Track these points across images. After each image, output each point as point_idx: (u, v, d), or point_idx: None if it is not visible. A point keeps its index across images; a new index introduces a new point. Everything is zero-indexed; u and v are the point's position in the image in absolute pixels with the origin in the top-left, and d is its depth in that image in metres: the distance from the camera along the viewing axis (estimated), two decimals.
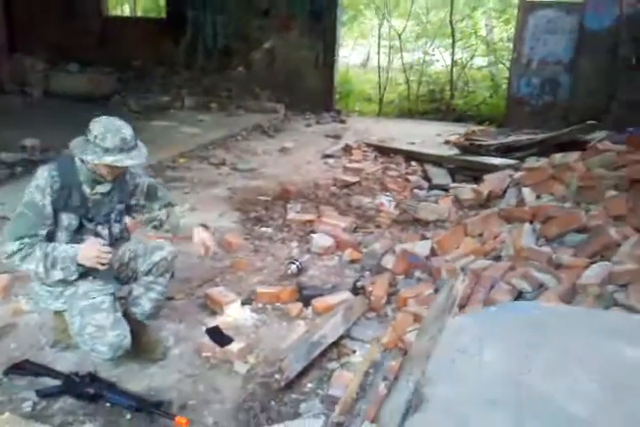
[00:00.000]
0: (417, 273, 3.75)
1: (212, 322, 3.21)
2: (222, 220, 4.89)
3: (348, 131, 8.74)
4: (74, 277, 2.67)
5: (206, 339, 3.00)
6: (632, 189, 4.08)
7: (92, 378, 2.67)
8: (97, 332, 2.64)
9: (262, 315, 3.37)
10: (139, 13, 13.24)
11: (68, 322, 2.78)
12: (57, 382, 2.69)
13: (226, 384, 2.75)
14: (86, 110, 8.45)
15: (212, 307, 3.33)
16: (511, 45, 9.97)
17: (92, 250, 2.64)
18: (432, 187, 5.82)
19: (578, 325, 1.74)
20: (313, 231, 4.55)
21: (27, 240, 2.60)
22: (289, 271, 3.84)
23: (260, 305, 3.46)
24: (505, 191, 4.92)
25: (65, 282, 2.73)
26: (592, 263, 3.33)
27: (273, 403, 2.59)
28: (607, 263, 3.29)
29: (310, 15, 9.75)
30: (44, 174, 2.67)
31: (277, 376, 2.71)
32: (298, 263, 3.88)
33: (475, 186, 5.32)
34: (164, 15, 11.13)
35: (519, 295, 3.20)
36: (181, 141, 7.20)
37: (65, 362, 2.89)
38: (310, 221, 4.72)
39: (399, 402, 1.87)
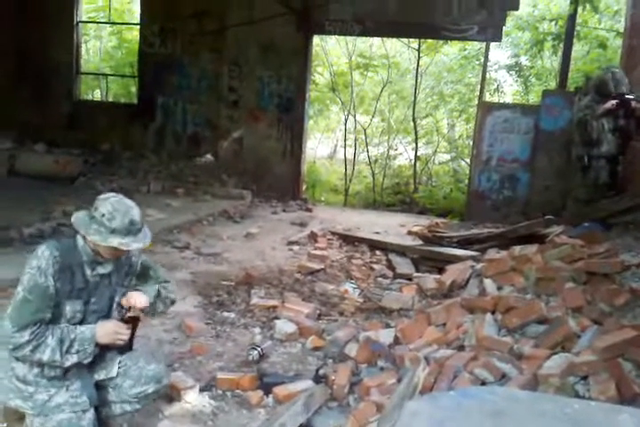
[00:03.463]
0: (380, 362, 3.71)
1: (170, 409, 3.09)
2: (184, 304, 4.81)
3: (314, 219, 8.86)
4: (88, 360, 2.58)
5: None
6: (589, 282, 4.18)
7: None
8: None
9: (221, 402, 3.27)
10: (110, 98, 13.57)
11: (34, 424, 2.59)
12: None
13: None
14: (50, 191, 8.52)
15: (169, 393, 3.22)
16: (471, 142, 10.47)
17: (109, 326, 2.57)
18: (396, 276, 5.87)
19: (536, 411, 1.74)
20: (276, 317, 4.51)
21: (36, 329, 2.47)
22: (250, 357, 3.77)
23: (219, 392, 3.37)
24: (467, 282, 4.99)
25: (47, 382, 2.59)
26: (553, 354, 3.35)
27: None
28: (567, 354, 3.32)
29: (279, 108, 10.14)
30: (44, 254, 2.53)
31: None
32: (259, 349, 3.81)
33: (438, 276, 5.39)
34: (135, 101, 11.43)
35: (482, 385, 3.18)
36: (146, 225, 7.17)
37: None
38: (274, 307, 4.69)
39: None
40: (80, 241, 2.59)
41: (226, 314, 4.62)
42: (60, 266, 2.53)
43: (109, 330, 2.56)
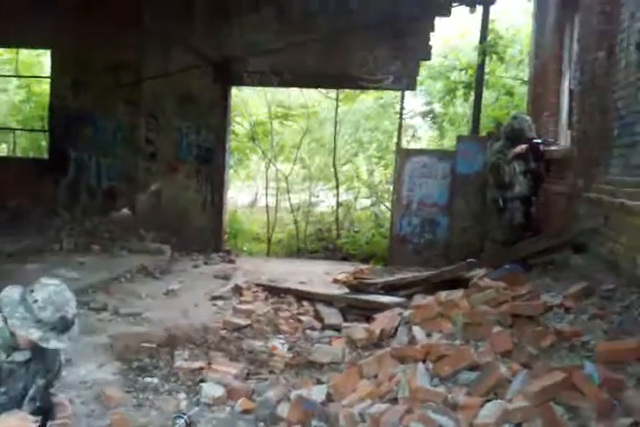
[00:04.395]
0: (314, 421, 3.56)
1: None
2: (101, 371, 4.51)
3: (238, 271, 8.66)
4: None
5: None
6: (514, 325, 4.23)
7: None
8: None
9: None
10: (18, 153, 13.04)
11: None
12: None
13: None
14: None
15: None
16: (391, 188, 10.66)
17: (16, 418, 2.26)
18: (325, 327, 5.77)
19: None
20: (202, 380, 4.29)
21: None
22: None
23: None
24: (396, 329, 4.95)
25: None
26: (487, 401, 3.32)
27: None
28: (501, 401, 3.30)
29: (197, 159, 10.03)
30: None
31: None
32: (186, 418, 3.58)
33: (366, 325, 5.32)
34: (45, 155, 11.02)
35: None
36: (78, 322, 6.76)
37: None
38: (200, 369, 4.47)
39: None
40: (9, 320, 2.34)
41: (148, 380, 4.36)
42: None
43: (15, 424, 2.26)
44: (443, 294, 4.97)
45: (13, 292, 2.39)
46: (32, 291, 2.34)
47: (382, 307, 5.83)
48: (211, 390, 4.03)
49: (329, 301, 6.56)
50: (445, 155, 9.59)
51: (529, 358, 3.69)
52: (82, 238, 9.26)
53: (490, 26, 9.61)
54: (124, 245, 9.29)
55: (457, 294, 4.90)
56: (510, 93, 10.93)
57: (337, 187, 12.80)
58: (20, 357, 2.41)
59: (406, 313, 5.11)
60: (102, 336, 5.29)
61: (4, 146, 14.09)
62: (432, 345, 4.10)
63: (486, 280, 5.17)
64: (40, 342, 2.29)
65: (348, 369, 4.16)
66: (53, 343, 2.32)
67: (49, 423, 2.48)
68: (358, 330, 5.17)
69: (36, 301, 2.30)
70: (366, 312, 5.97)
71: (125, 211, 10.05)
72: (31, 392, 2.47)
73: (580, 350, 3.62)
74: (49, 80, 10.63)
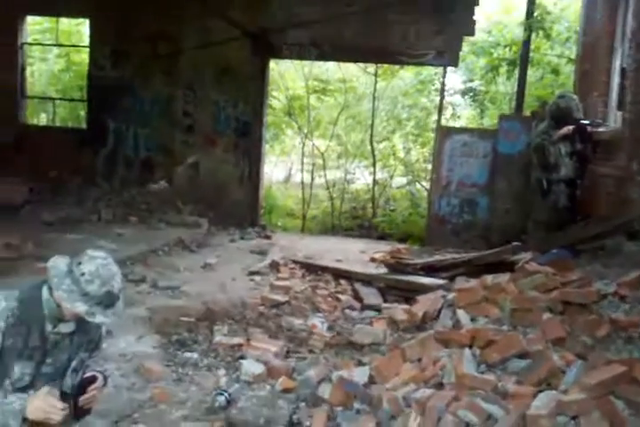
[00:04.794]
0: (356, 404, 3.48)
1: None
2: (141, 344, 4.50)
3: (274, 247, 8.61)
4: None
5: None
6: (565, 312, 4.07)
7: None
8: None
9: None
10: (57, 123, 13.05)
11: None
12: None
13: None
14: None
15: None
16: (428, 166, 10.44)
17: (44, 402, 2.20)
18: (364, 307, 5.67)
19: None
20: (242, 357, 4.25)
21: None
22: (217, 404, 3.50)
23: None
24: (439, 312, 4.83)
25: None
26: (539, 392, 3.19)
27: None
28: (554, 392, 3.17)
29: (235, 132, 9.92)
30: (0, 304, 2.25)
31: None
32: (226, 394, 3.55)
33: (407, 306, 5.21)
34: (83, 125, 11.02)
35: None
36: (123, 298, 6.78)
37: None
38: (239, 345, 4.43)
39: None
40: (46, 292, 2.29)
41: (187, 355, 4.33)
42: (15, 320, 2.23)
43: (42, 406, 2.20)
44: (488, 278, 4.81)
45: (61, 262, 2.33)
46: (79, 263, 2.28)
47: (424, 289, 5.71)
48: (251, 367, 3.98)
49: (367, 280, 6.46)
50: (487, 134, 9.33)
51: (583, 349, 3.55)
52: (120, 209, 9.28)
53: (537, 1, 9.23)
54: (161, 218, 9.28)
55: (503, 278, 4.75)
56: (556, 72, 10.57)
57: (374, 164, 12.59)
58: (65, 328, 2.36)
59: (450, 296, 4.99)
60: (141, 309, 5.28)
61: (44, 115, 14.13)
62: (479, 330, 3.97)
63: (534, 265, 5.00)
64: (86, 317, 2.24)
65: (390, 352, 4.07)
66: (99, 318, 2.26)
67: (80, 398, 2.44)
68: (399, 311, 5.06)
69: (83, 274, 2.24)
70: (406, 293, 5.86)
71: (163, 183, 10.02)
72: (74, 364, 2.43)
73: (639, 342, 3.46)
74: (88, 50, 10.56)
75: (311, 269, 7.15)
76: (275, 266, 7.18)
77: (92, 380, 2.40)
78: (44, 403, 2.20)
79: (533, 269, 4.80)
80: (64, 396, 2.35)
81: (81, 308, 2.21)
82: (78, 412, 2.45)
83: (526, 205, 8.23)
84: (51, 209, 8.93)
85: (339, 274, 6.84)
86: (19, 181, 9.54)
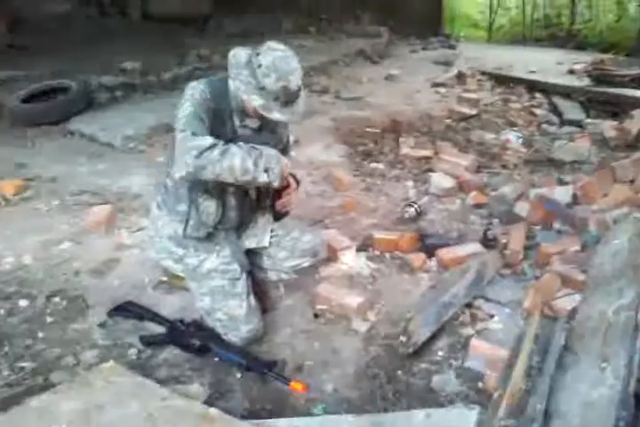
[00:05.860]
0: (556, 224, 3.26)
1: (327, 270, 2.88)
2: (328, 153, 4.51)
3: (459, 57, 7.99)
4: (277, 184, 2.18)
5: (320, 289, 2.68)
6: None
7: (198, 327, 2.43)
8: (228, 321, 2.36)
9: (380, 264, 3.01)
10: None
11: (190, 289, 2.49)
12: (161, 329, 2.48)
13: (344, 344, 2.44)
14: (183, 34, 8.20)
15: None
16: None
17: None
18: (564, 122, 5.15)
19: None
20: (430, 170, 4.10)
21: (216, 139, 2.09)
22: (406, 215, 3.44)
23: (376, 253, 3.10)
24: None
25: (196, 242, 2.39)
26: None
27: (400, 372, 2.26)
28: None
29: None
30: (198, 87, 2.19)
31: (402, 338, 2.35)
32: (416, 206, 3.46)
33: (615, 123, 4.63)
34: None
35: None
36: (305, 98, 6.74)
37: (169, 306, 2.67)
38: (426, 158, 4.26)
39: (594, 398, 1.48)
40: (232, 85, 2.20)
41: (374, 165, 4.26)
42: (209, 107, 2.17)
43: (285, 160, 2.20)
44: None
45: (242, 53, 2.21)
46: (258, 54, 2.13)
47: (635, 103, 5.01)
48: (440, 180, 3.83)
49: (567, 93, 5.82)
50: None
51: None
52: (299, 19, 8.98)
53: None
54: (340, 28, 8.89)
55: None
56: None
57: None
58: (251, 123, 2.31)
59: None
60: (326, 119, 5.23)
61: None
62: None
63: None
64: (262, 111, 2.14)
65: (598, 171, 3.68)
66: (275, 114, 2.15)
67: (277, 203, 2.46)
68: (608, 128, 4.52)
69: (260, 66, 2.11)
70: (613, 108, 5.21)
71: None
72: None
73: None
74: None
75: (501, 80, 6.57)
76: (461, 77, 6.70)
77: (287, 186, 2.39)
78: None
79: None
80: None
81: (257, 102, 2.12)
82: (277, 215, 2.51)
83: None
84: (231, 19, 8.86)
85: (533, 86, 6.23)
86: None
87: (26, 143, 4.53)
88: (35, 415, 1.81)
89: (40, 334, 2.46)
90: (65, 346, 2.40)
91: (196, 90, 2.18)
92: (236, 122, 2.28)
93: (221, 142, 2.07)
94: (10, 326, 2.50)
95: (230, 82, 2.20)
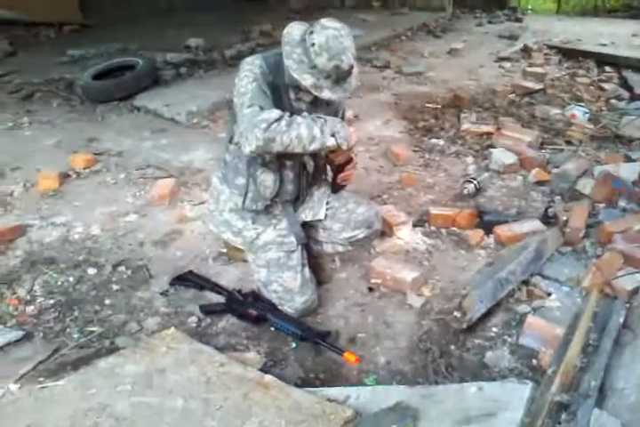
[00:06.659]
0: (621, 202, 3.16)
1: (382, 245, 2.90)
2: (387, 129, 4.49)
3: (526, 31, 7.75)
4: (345, 147, 2.21)
5: (375, 263, 2.70)
6: None
7: (256, 298, 2.51)
8: (284, 293, 2.43)
9: (436, 240, 3.00)
10: None
11: (248, 259, 2.57)
12: (220, 298, 2.57)
13: (398, 318, 2.46)
14: (247, 10, 8.25)
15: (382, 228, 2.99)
16: None
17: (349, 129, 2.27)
18: (634, 97, 4.94)
19: None
20: (491, 146, 4.02)
21: (281, 111, 2.12)
22: (465, 191, 3.40)
23: (433, 228, 3.09)
24: None
25: (257, 216, 2.46)
26: None
27: (453, 347, 2.27)
28: None
29: None
30: (255, 62, 2.22)
31: (456, 314, 2.36)
32: (475, 182, 3.41)
33: None
34: None
35: None
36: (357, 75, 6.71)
37: (228, 276, 2.76)
38: (488, 134, 4.17)
39: None
40: (286, 62, 2.20)
41: (434, 141, 4.21)
42: (267, 81, 2.20)
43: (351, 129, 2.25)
44: None
45: (296, 30, 2.20)
46: (311, 33, 2.12)
47: None
48: (501, 156, 3.75)
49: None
50: None
51: None
52: None
53: None
54: (404, 2, 8.74)
55: None
56: None
57: None
58: (305, 97, 2.31)
59: None
60: (387, 94, 5.20)
61: None
62: None
63: None
64: (312, 90, 2.15)
65: None
66: (326, 93, 2.15)
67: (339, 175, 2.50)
68: None
69: (313, 44, 2.10)
70: None
71: None
72: None
73: None
74: None
75: (570, 54, 6.35)
76: (527, 51, 6.52)
77: (349, 161, 2.42)
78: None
79: None
80: None
81: (309, 81, 2.12)
82: (336, 187, 2.55)
83: None
84: None
85: (603, 60, 5.99)
86: None
87: (95, 118, 4.69)
88: (102, 376, 1.91)
89: (107, 301, 2.59)
90: (129, 313, 2.52)
91: (253, 65, 2.21)
92: (292, 96, 2.30)
93: (287, 114, 2.11)
94: (79, 293, 2.64)
95: (284, 58, 2.19)
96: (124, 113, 4.81)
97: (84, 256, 2.89)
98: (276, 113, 2.09)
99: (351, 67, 2.17)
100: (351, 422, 1.66)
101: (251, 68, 2.21)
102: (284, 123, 2.07)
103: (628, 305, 2.03)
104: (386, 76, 5.72)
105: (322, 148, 2.17)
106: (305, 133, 2.09)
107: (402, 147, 4.04)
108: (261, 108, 2.10)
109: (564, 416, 1.47)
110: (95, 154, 3.97)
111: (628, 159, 3.63)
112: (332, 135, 2.15)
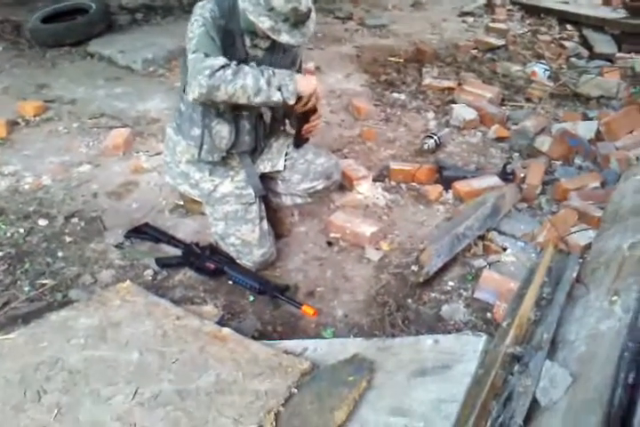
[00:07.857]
0: (578, 160, 3.21)
1: (342, 199, 2.89)
2: (349, 82, 4.42)
3: None
4: (292, 102, 2.10)
5: (334, 217, 2.69)
6: None
7: (213, 251, 2.48)
8: (242, 246, 2.40)
9: (396, 195, 3.01)
10: None
11: (206, 212, 2.52)
12: (176, 251, 2.53)
13: (356, 272, 2.47)
14: None
15: (342, 182, 2.97)
16: None
17: (307, 78, 2.16)
18: (594, 56, 4.96)
19: None
20: (452, 101, 4.01)
21: (228, 59, 2.05)
22: (425, 146, 3.39)
23: (393, 183, 3.09)
24: None
25: (213, 167, 2.40)
26: None
27: (410, 300, 2.30)
28: None
29: None
30: (206, 6, 2.11)
31: (414, 268, 2.38)
32: (436, 138, 3.41)
33: None
34: None
35: None
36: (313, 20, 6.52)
37: (185, 229, 2.72)
38: (450, 89, 4.15)
39: (602, 330, 1.50)
40: (241, 5, 2.10)
41: (395, 95, 4.17)
42: (218, 27, 2.09)
43: (307, 80, 2.13)
44: None
45: None
46: None
47: None
48: (462, 112, 3.74)
49: (600, 26, 5.57)
50: None
51: None
52: None
53: None
54: None
55: None
56: None
57: None
58: (262, 43, 2.23)
59: None
60: (348, 46, 5.10)
61: None
62: None
63: None
64: (270, 34, 2.06)
65: (625, 107, 3.58)
66: (284, 37, 2.07)
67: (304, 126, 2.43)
68: (639, 62, 4.36)
69: None
70: None
71: None
72: None
73: None
74: None
75: (532, 11, 6.30)
76: (490, 6, 6.45)
77: (314, 111, 2.34)
78: (309, 77, 2.17)
79: None
80: None
81: (266, 23, 2.03)
82: (300, 139, 2.49)
83: None
84: None
85: (565, 18, 5.96)
86: None
87: (45, 64, 4.48)
88: (54, 329, 1.87)
89: (59, 253, 2.52)
90: (83, 265, 2.46)
91: (204, 9, 2.11)
92: (247, 42, 2.21)
93: (234, 62, 2.03)
94: (30, 245, 2.56)
95: (240, 1, 2.10)
96: (77, 59, 4.60)
97: (34, 207, 2.80)
98: (221, 60, 2.01)
99: (309, 10, 2.08)
100: (308, 374, 1.67)
101: (201, 11, 2.11)
102: (229, 71, 1.99)
103: (580, 260, 2.07)
104: (348, 27, 5.60)
105: (267, 101, 2.08)
106: (250, 84, 2.01)
107: (363, 101, 3.99)
108: (206, 55, 2.01)
109: (516, 368, 1.50)
110: (46, 101, 3.81)
111: (586, 117, 3.66)
112: (279, 89, 2.06)
